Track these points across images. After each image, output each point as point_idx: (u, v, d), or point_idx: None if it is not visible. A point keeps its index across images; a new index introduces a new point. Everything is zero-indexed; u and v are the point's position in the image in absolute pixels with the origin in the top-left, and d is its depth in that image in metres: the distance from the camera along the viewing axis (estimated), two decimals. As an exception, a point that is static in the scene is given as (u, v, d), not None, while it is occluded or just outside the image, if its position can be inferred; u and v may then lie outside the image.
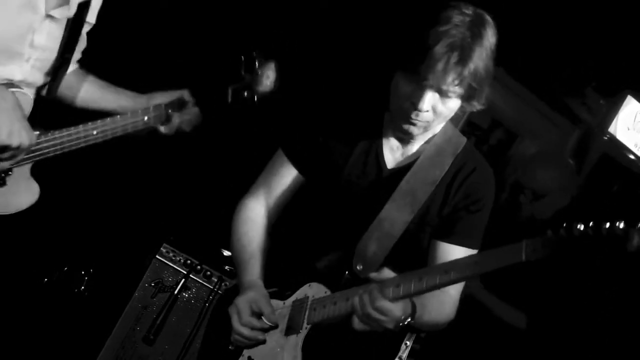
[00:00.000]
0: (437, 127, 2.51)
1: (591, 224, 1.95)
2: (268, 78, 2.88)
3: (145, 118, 2.83)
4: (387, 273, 2.40)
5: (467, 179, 2.48)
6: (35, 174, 2.78)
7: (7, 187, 2.68)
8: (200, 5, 4.33)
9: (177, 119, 2.91)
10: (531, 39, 4.61)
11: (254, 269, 2.58)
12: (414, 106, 2.29)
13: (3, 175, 2.66)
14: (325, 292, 2.45)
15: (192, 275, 4.02)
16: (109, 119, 2.79)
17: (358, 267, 2.47)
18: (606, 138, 4.87)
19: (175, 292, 3.97)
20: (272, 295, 2.56)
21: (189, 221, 4.27)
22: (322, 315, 2.40)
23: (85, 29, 2.89)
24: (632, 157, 4.96)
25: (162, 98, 2.91)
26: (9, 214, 2.71)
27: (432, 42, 2.21)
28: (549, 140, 5.23)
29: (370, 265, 2.47)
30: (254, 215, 2.69)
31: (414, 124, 2.35)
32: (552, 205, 3.91)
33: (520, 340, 3.58)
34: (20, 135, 2.53)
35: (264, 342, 2.46)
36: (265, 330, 2.46)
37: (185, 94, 2.92)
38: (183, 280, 3.99)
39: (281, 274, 2.62)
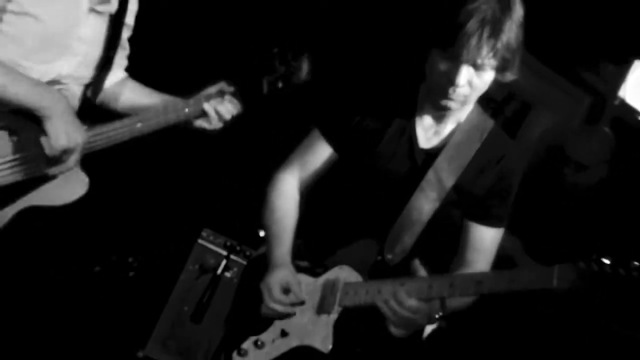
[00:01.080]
0: (468, 107, 2.51)
1: (620, 262, 1.96)
2: (301, 70, 2.85)
3: (187, 110, 2.81)
4: (417, 266, 2.40)
5: (499, 165, 2.49)
6: (84, 166, 2.78)
7: (58, 180, 2.69)
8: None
9: (217, 108, 2.83)
10: (540, 12, 4.24)
11: (285, 244, 2.58)
12: (451, 82, 2.29)
13: (49, 174, 2.68)
14: (357, 278, 2.47)
15: (232, 256, 4.12)
16: (152, 112, 2.79)
17: (388, 256, 2.49)
18: (617, 102, 4.75)
19: (218, 272, 4.07)
20: (304, 270, 2.58)
21: (226, 205, 4.33)
22: (353, 301, 2.41)
23: (126, 33, 2.91)
24: None
25: (201, 94, 2.88)
26: (60, 205, 2.73)
27: (464, 19, 2.21)
28: (561, 108, 5.12)
29: (400, 254, 2.49)
30: (288, 189, 2.69)
31: (452, 99, 2.35)
32: (594, 175, 4.01)
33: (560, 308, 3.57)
34: (75, 136, 2.56)
35: (294, 314, 2.47)
36: (294, 305, 2.46)
37: (223, 85, 2.87)
38: (224, 261, 4.09)
39: (313, 248, 2.63)
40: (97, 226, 4.01)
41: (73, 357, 3.95)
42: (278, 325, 2.49)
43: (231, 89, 2.83)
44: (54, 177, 2.66)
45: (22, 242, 2.85)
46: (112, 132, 2.70)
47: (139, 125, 2.74)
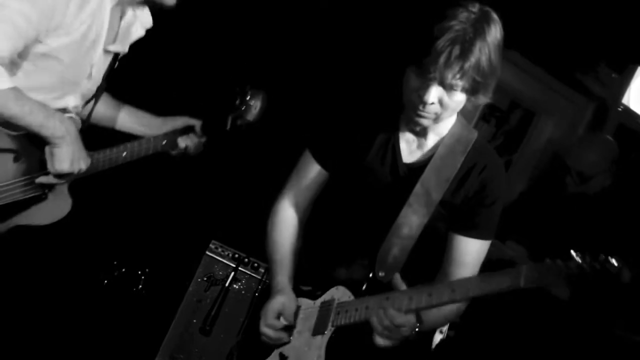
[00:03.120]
0: (449, 120, 2.50)
1: (587, 258, 1.97)
2: (255, 108, 3.00)
3: (164, 142, 2.96)
4: (398, 280, 2.42)
5: (480, 175, 2.46)
6: (71, 190, 2.84)
7: (48, 201, 2.75)
8: (202, 40, 4.33)
9: (182, 144, 3.03)
10: (542, 22, 4.53)
11: (284, 270, 2.61)
12: (421, 99, 2.29)
13: (47, 191, 2.72)
14: (349, 297, 2.47)
15: (241, 267, 4.09)
16: (135, 142, 2.91)
17: (380, 274, 2.48)
18: (620, 109, 4.80)
19: (227, 284, 4.04)
20: (305, 294, 2.59)
21: (234, 217, 4.28)
22: (345, 319, 2.42)
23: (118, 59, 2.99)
24: None
25: (172, 122, 3.03)
26: (47, 224, 2.77)
27: (437, 36, 2.21)
28: (565, 116, 5.17)
29: (391, 270, 2.48)
30: (286, 215, 2.72)
31: (422, 116, 2.34)
32: (597, 184, 3.91)
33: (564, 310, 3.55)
34: (79, 162, 2.63)
35: (288, 342, 2.50)
36: (286, 330, 2.51)
37: (189, 120, 3.03)
38: (233, 273, 4.06)
39: (316, 271, 2.63)
40: (106, 239, 4.00)
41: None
42: (277, 350, 2.52)
43: (197, 123, 3.01)
44: (45, 198, 2.72)
45: (27, 256, 2.92)
46: (101, 161, 2.81)
47: (124, 154, 2.85)
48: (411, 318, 2.27)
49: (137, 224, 4.24)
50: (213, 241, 4.15)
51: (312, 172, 2.67)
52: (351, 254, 2.56)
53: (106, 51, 2.75)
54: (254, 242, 3.80)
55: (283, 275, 2.59)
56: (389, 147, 2.52)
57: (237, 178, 4.47)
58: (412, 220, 2.46)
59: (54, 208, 2.78)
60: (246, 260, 4.12)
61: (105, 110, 3.08)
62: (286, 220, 2.70)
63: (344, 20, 4.49)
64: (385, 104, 2.61)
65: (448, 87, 2.27)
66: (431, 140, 2.50)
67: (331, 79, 4.42)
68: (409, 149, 2.52)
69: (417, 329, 2.30)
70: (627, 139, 4.64)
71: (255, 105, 3.01)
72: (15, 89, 2.47)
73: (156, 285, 4.32)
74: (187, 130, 3.03)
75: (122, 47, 2.80)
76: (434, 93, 2.27)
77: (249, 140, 4.14)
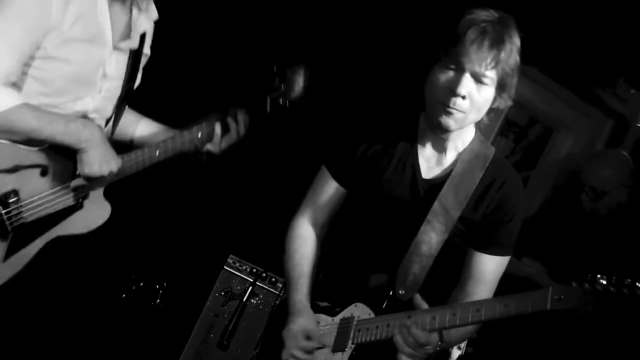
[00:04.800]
0: (468, 135, 2.50)
1: (614, 280, 1.99)
2: (298, 84, 2.93)
3: (199, 134, 2.88)
4: (418, 299, 2.40)
5: (499, 192, 2.46)
6: (107, 195, 2.84)
7: (84, 209, 2.75)
8: (233, 21, 4.32)
9: (218, 130, 2.91)
10: (561, 38, 4.51)
11: (303, 288, 2.60)
12: (453, 92, 2.28)
13: (81, 200, 2.72)
14: (370, 314, 2.46)
15: (259, 282, 4.07)
16: (168, 138, 2.86)
17: (400, 292, 2.47)
18: (639, 125, 4.81)
19: (244, 299, 4.00)
20: (323, 311, 2.58)
21: (252, 232, 4.30)
22: (365, 337, 2.42)
23: (142, 61, 2.95)
24: None
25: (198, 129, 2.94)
26: (86, 233, 2.77)
27: (465, 29, 2.24)
28: (584, 132, 5.15)
29: (412, 288, 2.48)
30: (304, 232, 2.72)
31: (451, 114, 2.32)
32: (612, 200, 3.89)
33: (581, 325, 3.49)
34: (109, 164, 2.61)
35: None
36: (315, 350, 2.50)
37: (216, 121, 2.93)
38: (250, 287, 4.03)
39: (333, 287, 2.63)
40: (124, 254, 4.00)
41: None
42: None
43: (237, 110, 2.93)
44: (80, 207, 2.72)
45: (50, 271, 2.86)
46: (133, 161, 2.78)
47: (157, 153, 2.81)
48: (435, 337, 2.27)
49: (155, 237, 4.24)
50: (231, 256, 4.14)
51: (329, 189, 2.66)
52: (370, 270, 2.55)
53: (117, 48, 2.75)
54: (272, 256, 3.73)
55: (302, 293, 2.58)
56: (407, 163, 2.51)
57: (255, 193, 4.47)
58: (431, 237, 2.45)
59: (92, 216, 2.78)
60: (264, 275, 4.10)
61: (121, 123, 3.07)
62: (304, 237, 2.70)
63: (359, 31, 4.46)
64: (402, 118, 2.61)
65: (479, 79, 2.27)
66: (450, 155, 2.49)
67: (347, 93, 4.39)
68: (428, 164, 2.51)
69: (438, 347, 2.30)
70: None
71: (297, 81, 2.95)
72: (27, 104, 2.50)
73: (174, 300, 4.31)
74: (226, 116, 2.96)
75: (133, 43, 2.80)
76: (466, 84, 2.26)
77: (265, 155, 4.22)
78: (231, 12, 4.32)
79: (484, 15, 2.28)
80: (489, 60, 2.25)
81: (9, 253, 2.59)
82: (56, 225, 2.68)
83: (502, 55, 2.26)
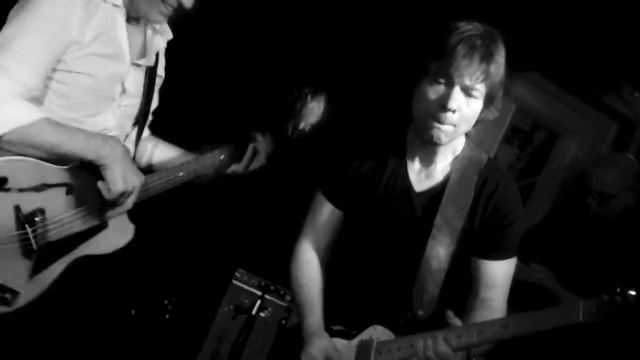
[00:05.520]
0: (458, 144, 2.51)
1: None
2: (319, 109, 2.96)
3: (222, 157, 2.93)
4: (452, 317, 2.37)
5: (493, 196, 2.47)
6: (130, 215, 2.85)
7: (109, 229, 2.76)
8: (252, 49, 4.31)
9: (256, 148, 2.98)
10: (562, 40, 4.52)
11: (316, 312, 2.61)
12: (444, 107, 2.28)
13: (106, 220, 2.73)
14: (389, 336, 2.47)
15: (267, 295, 4.10)
16: (192, 160, 2.90)
17: (420, 313, 2.49)
18: None
19: (253, 312, 4.03)
20: (338, 334, 2.58)
21: (259, 245, 4.27)
22: (388, 358, 2.42)
23: (157, 83, 2.99)
24: None
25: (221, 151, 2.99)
26: (109, 253, 2.79)
27: (455, 43, 2.25)
28: (588, 135, 5.17)
29: (429, 306, 2.50)
30: (308, 257, 2.73)
31: (440, 128, 2.33)
32: (619, 204, 3.88)
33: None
34: (132, 179, 2.61)
35: None
36: None
37: (240, 145, 2.98)
38: (259, 301, 4.06)
39: (346, 311, 2.62)
40: (133, 270, 3.97)
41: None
42: None
43: (261, 134, 2.99)
44: (106, 226, 2.73)
45: (68, 290, 2.85)
46: (157, 182, 2.81)
47: (180, 174, 2.85)
48: (462, 355, 2.29)
49: (163, 252, 4.22)
50: (239, 269, 4.17)
51: (326, 212, 2.68)
52: (382, 291, 2.56)
53: (135, 64, 2.78)
54: (279, 270, 3.85)
55: (315, 317, 2.59)
56: (399, 178, 2.53)
57: (262, 208, 4.45)
58: (439, 251, 2.46)
59: (116, 236, 2.80)
60: (272, 288, 4.13)
61: (141, 147, 3.09)
62: (308, 262, 2.72)
63: (344, 49, 4.47)
64: (390, 134, 2.63)
65: (469, 92, 2.28)
66: (440, 166, 2.51)
67: (334, 117, 4.42)
68: (419, 178, 2.52)
69: None
70: None
71: (318, 106, 2.98)
72: (47, 119, 2.52)
73: (183, 315, 4.30)
74: (244, 142, 3.01)
75: (149, 61, 2.84)
76: (457, 97, 2.27)
77: (271, 171, 4.18)
78: (253, 37, 4.31)
79: (472, 29, 2.30)
80: (479, 74, 2.26)
81: (35, 272, 2.62)
82: (81, 245, 2.70)
83: (492, 68, 2.28)
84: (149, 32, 2.86)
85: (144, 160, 3.12)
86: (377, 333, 2.49)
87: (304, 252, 2.72)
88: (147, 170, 2.92)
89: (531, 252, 3.25)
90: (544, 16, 4.36)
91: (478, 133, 2.51)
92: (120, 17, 2.68)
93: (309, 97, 2.98)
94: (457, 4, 3.35)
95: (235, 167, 3.00)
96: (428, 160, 2.51)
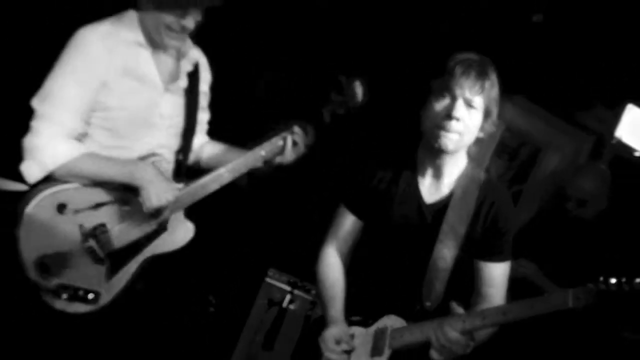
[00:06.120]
0: (461, 162, 2.58)
1: (624, 279, 2.08)
2: (357, 94, 2.93)
3: (263, 152, 2.95)
4: (455, 306, 2.44)
5: (492, 209, 2.54)
6: (188, 215, 2.93)
7: (169, 231, 2.88)
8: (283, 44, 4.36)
9: (288, 141, 2.95)
10: (544, 69, 4.66)
11: (337, 306, 2.69)
12: (449, 117, 2.39)
13: (165, 223, 2.84)
14: (402, 324, 2.56)
15: (295, 291, 4.25)
16: (234, 161, 2.91)
17: (427, 304, 2.57)
18: (614, 142, 4.85)
19: (284, 305, 4.20)
20: (357, 323, 2.67)
21: (288, 248, 4.40)
22: (400, 343, 2.51)
23: (204, 99, 3.04)
24: (637, 154, 4.93)
25: (267, 146, 2.96)
26: (172, 251, 2.90)
27: (455, 64, 2.41)
28: (567, 149, 5.19)
29: (436, 299, 2.57)
30: (332, 261, 2.80)
31: (447, 136, 2.42)
32: (593, 208, 4.00)
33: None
34: (165, 196, 2.71)
35: None
36: (346, 352, 2.59)
37: (281, 136, 2.95)
38: (289, 296, 4.22)
39: (364, 303, 2.70)
40: (184, 270, 3.55)
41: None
42: None
43: (299, 125, 2.98)
44: (165, 229, 2.85)
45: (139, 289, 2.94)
46: (202, 185, 2.85)
47: (225, 174, 2.88)
48: (466, 338, 2.36)
49: (208, 256, 4.23)
50: (271, 269, 4.29)
51: (348, 222, 2.78)
52: (396, 287, 2.63)
53: (168, 90, 2.83)
54: (306, 269, 3.49)
55: (336, 310, 2.69)
56: (411, 192, 2.61)
57: (289, 217, 4.56)
58: (445, 254, 2.54)
59: (177, 235, 2.90)
60: (299, 284, 4.24)
61: (211, 153, 3.13)
62: (332, 264, 2.80)
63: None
64: (403, 153, 2.70)
65: (469, 104, 2.40)
66: (446, 181, 2.59)
67: (356, 135, 4.46)
68: (429, 191, 2.61)
69: (469, 348, 2.39)
70: (622, 168, 4.71)
71: (356, 91, 2.94)
72: (88, 153, 2.64)
73: (225, 308, 4.40)
74: (289, 131, 2.98)
75: (182, 83, 2.88)
76: (460, 108, 2.38)
77: (301, 180, 4.24)
78: (291, 31, 4.34)
79: (468, 55, 2.45)
80: (477, 88, 2.38)
81: (110, 275, 2.75)
82: (146, 248, 2.82)
83: (487, 84, 2.40)
84: (176, 57, 2.89)
85: (204, 161, 3.12)
86: (391, 321, 2.59)
87: (328, 256, 2.81)
88: (206, 170, 2.94)
89: (519, 250, 3.14)
90: (529, 49, 4.49)
91: (479, 149, 2.61)
92: (144, 51, 2.74)
93: (344, 83, 2.94)
94: (452, 42, 3.40)
95: (280, 159, 2.97)
96: (436, 176, 2.59)
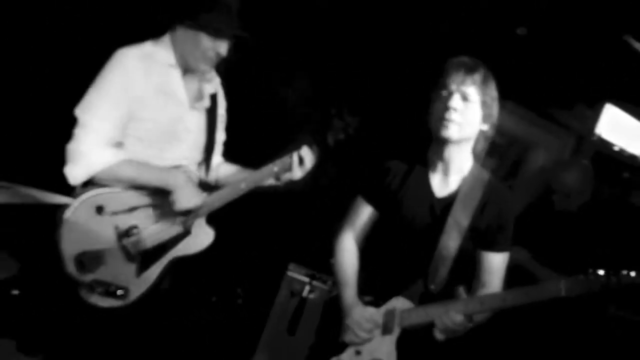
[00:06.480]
0: (467, 161, 2.67)
1: (611, 272, 2.17)
2: (355, 122, 3.06)
3: (275, 168, 3.03)
4: (461, 291, 2.60)
5: (495, 207, 2.63)
6: (209, 221, 3.03)
7: (192, 235, 2.96)
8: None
9: (301, 156, 3.02)
10: (530, 77, 4.84)
11: (352, 287, 2.76)
12: (447, 107, 2.51)
13: (190, 227, 2.92)
14: (409, 305, 2.64)
15: (314, 282, 4.41)
16: (249, 174, 3.02)
17: (432, 287, 2.65)
18: (594, 139, 5.08)
19: (304, 295, 4.37)
20: (369, 303, 2.73)
21: (306, 244, 4.58)
22: (408, 322, 2.60)
23: (221, 121, 3.14)
24: (616, 149, 5.19)
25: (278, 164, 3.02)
26: (194, 253, 2.98)
27: (449, 64, 2.56)
28: (552, 147, 5.39)
29: (440, 284, 2.65)
30: (348, 246, 2.88)
31: (447, 126, 2.52)
32: (577, 200, 4.06)
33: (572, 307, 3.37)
34: (193, 200, 2.83)
35: (370, 340, 2.67)
36: (373, 331, 2.67)
37: (291, 156, 3.02)
38: (308, 287, 4.39)
39: (376, 285, 2.78)
40: (213, 265, 4.05)
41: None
42: (353, 347, 2.70)
43: (306, 144, 3.04)
44: (189, 233, 2.93)
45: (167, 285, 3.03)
46: (221, 195, 2.97)
47: (242, 186, 2.99)
48: (465, 320, 2.49)
49: (235, 252, 4.53)
50: (291, 263, 4.46)
51: (365, 213, 2.86)
52: (405, 272, 2.71)
53: (194, 108, 2.92)
54: (322, 262, 4.14)
55: (351, 290, 2.77)
56: (423, 187, 2.72)
57: (306, 217, 4.78)
58: (449, 243, 2.63)
59: (199, 240, 2.98)
60: (317, 276, 4.41)
61: (226, 173, 3.20)
62: (348, 249, 2.88)
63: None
64: (414, 155, 2.79)
65: (465, 97, 2.51)
66: (453, 178, 2.69)
67: (372, 134, 4.55)
68: (439, 187, 2.71)
69: (468, 327, 2.51)
70: (603, 162, 4.89)
71: (355, 120, 3.04)
72: (127, 159, 2.72)
73: (251, 299, 4.63)
74: (292, 154, 3.03)
75: (205, 103, 2.98)
76: (456, 98, 2.50)
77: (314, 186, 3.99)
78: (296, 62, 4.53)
79: (462, 57, 2.58)
80: (469, 80, 2.50)
81: (140, 272, 2.83)
82: (172, 249, 2.90)
83: (477, 76, 2.51)
84: (201, 80, 2.98)
85: (220, 180, 3.19)
86: (400, 303, 2.67)
87: (345, 241, 2.88)
88: (219, 186, 3.05)
89: (512, 237, 2.92)
90: (515, 58, 4.63)
91: (484, 149, 2.68)
92: (175, 73, 2.83)
93: (344, 112, 3.05)
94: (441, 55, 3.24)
95: (289, 175, 3.03)
96: (445, 172, 2.69)
